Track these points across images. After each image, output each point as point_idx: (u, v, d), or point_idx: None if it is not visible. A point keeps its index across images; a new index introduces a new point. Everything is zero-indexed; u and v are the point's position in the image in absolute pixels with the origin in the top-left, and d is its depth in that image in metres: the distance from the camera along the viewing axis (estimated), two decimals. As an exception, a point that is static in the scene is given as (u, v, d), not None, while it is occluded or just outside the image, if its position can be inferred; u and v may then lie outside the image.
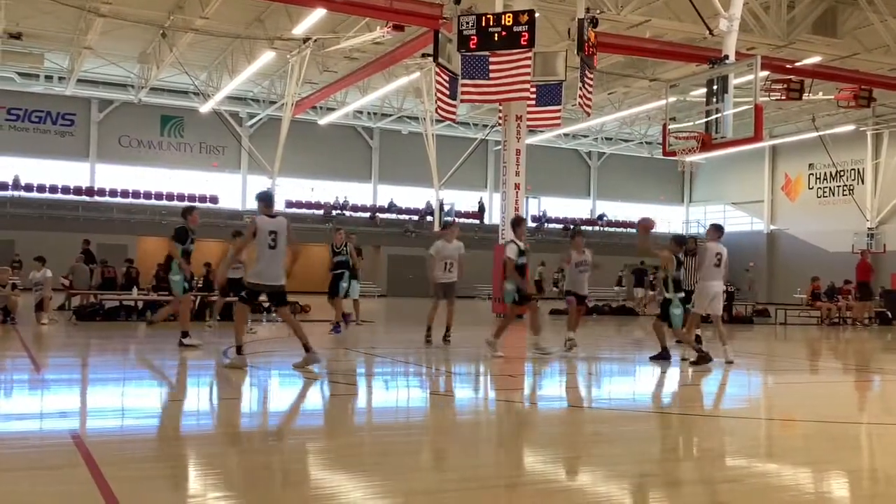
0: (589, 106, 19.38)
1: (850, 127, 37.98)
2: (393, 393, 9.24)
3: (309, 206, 41.88)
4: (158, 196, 38.81)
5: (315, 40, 26.81)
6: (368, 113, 41.95)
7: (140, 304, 18.21)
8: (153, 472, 5.01)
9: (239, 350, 9.50)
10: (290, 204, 40.63)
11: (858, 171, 40.63)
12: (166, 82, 35.90)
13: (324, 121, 39.71)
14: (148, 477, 4.88)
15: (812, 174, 43.34)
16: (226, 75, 33.22)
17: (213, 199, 40.23)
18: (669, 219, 48.03)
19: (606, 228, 46.68)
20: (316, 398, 8.62)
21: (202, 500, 4.47)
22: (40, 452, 5.43)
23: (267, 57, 28.14)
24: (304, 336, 9.53)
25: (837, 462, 5.79)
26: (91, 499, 4.20)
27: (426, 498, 4.59)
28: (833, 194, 42.20)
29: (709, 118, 15.44)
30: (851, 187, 40.84)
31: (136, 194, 38.69)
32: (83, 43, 29.10)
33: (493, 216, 41.46)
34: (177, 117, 39.78)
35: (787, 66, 25.44)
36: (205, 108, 35.84)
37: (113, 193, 38.43)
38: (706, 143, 15.20)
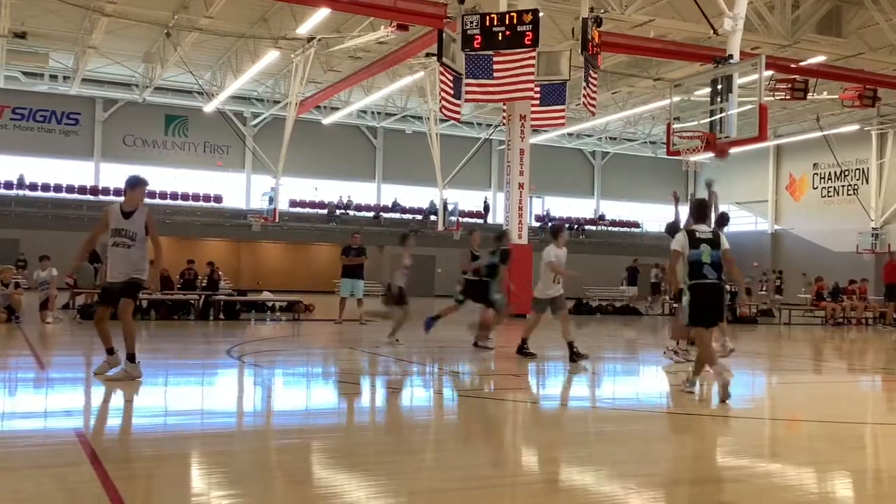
0: (593, 105, 19.36)
1: (855, 127, 37.89)
2: (397, 392, 9.25)
3: (312, 205, 41.91)
4: (163, 195, 38.86)
5: (319, 40, 26.82)
6: (372, 112, 41.95)
7: (144, 303, 18.23)
8: (157, 470, 5.02)
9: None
10: (293, 203, 40.68)
11: (863, 171, 40.55)
12: (170, 82, 35.94)
13: (328, 120, 39.73)
14: (152, 476, 4.89)
15: (816, 174, 43.25)
16: (230, 75, 33.25)
17: (218, 199, 40.27)
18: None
19: (609, 228, 46.66)
20: (320, 397, 8.63)
21: (206, 499, 4.47)
22: (45, 451, 5.44)
23: (271, 56, 28.15)
24: None
25: (842, 462, 5.78)
26: (96, 497, 4.21)
27: (428, 497, 4.59)
28: (837, 194, 42.12)
29: (713, 118, 15.42)
30: (856, 187, 40.76)
31: (140, 193, 38.71)
32: (88, 42, 29.14)
33: (497, 216, 41.51)
34: (181, 117, 39.82)
35: (792, 65, 25.39)
36: (209, 107, 35.87)
37: (117, 192, 38.35)
38: (711, 143, 15.17)
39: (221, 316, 18.69)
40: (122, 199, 8.60)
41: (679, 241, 8.37)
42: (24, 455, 5.27)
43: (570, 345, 11.15)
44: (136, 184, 8.52)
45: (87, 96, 37.58)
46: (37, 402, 7.64)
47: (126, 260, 8.33)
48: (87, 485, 4.44)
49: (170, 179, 39.43)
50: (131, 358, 8.38)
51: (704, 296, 8.17)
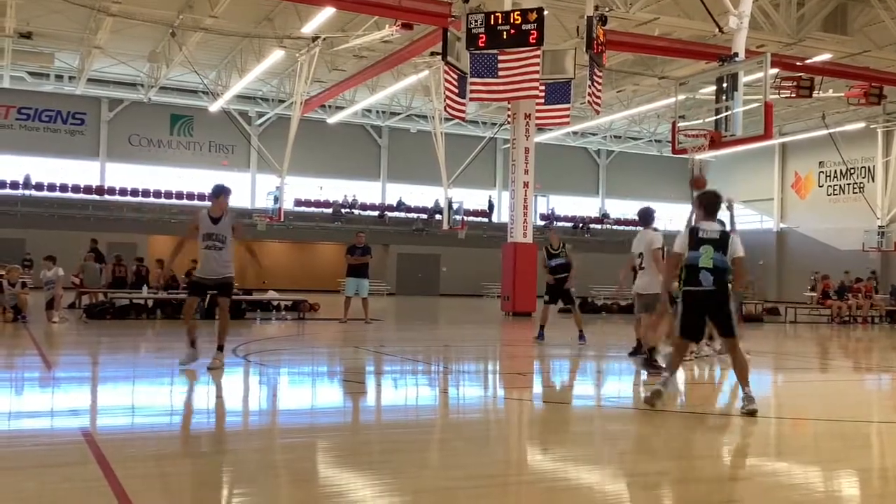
0: (598, 104, 19.31)
1: (861, 124, 37.77)
2: (402, 391, 9.25)
3: (318, 204, 41.95)
4: (168, 195, 38.96)
5: (324, 39, 26.84)
6: (377, 111, 41.97)
7: (150, 303, 18.27)
8: (164, 469, 5.03)
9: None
10: (298, 202, 40.72)
11: (869, 169, 40.44)
12: (176, 81, 36.00)
13: (332, 119, 39.76)
14: (159, 474, 4.90)
15: (822, 172, 43.14)
16: (235, 74, 33.29)
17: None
18: (678, 217, 47.96)
19: (614, 227, 46.61)
20: (326, 396, 8.64)
21: (213, 497, 4.48)
22: (51, 450, 5.46)
23: (276, 56, 28.19)
24: None
25: (847, 461, 5.77)
26: (103, 496, 4.22)
27: (433, 496, 4.59)
28: (843, 192, 42.01)
29: (718, 116, 15.39)
30: (862, 185, 40.64)
31: (145, 193, 38.84)
32: (93, 42, 29.21)
33: (502, 214, 41.51)
34: (186, 116, 39.90)
35: (797, 63, 25.33)
36: (214, 107, 35.93)
37: (123, 192, 38.58)
38: (716, 141, 15.15)
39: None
40: (209, 204, 9.75)
41: (679, 243, 7.46)
42: (30, 454, 5.29)
43: (650, 350, 9.95)
44: (220, 192, 9.49)
45: (93, 96, 37.67)
46: (43, 402, 7.66)
47: (218, 260, 9.33)
48: (94, 484, 4.45)
49: (175, 179, 39.50)
50: (221, 349, 9.32)
51: (695, 306, 7.29)
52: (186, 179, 39.69)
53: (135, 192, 38.68)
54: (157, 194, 38.98)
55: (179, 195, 39.15)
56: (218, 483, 4.80)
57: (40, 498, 4.29)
